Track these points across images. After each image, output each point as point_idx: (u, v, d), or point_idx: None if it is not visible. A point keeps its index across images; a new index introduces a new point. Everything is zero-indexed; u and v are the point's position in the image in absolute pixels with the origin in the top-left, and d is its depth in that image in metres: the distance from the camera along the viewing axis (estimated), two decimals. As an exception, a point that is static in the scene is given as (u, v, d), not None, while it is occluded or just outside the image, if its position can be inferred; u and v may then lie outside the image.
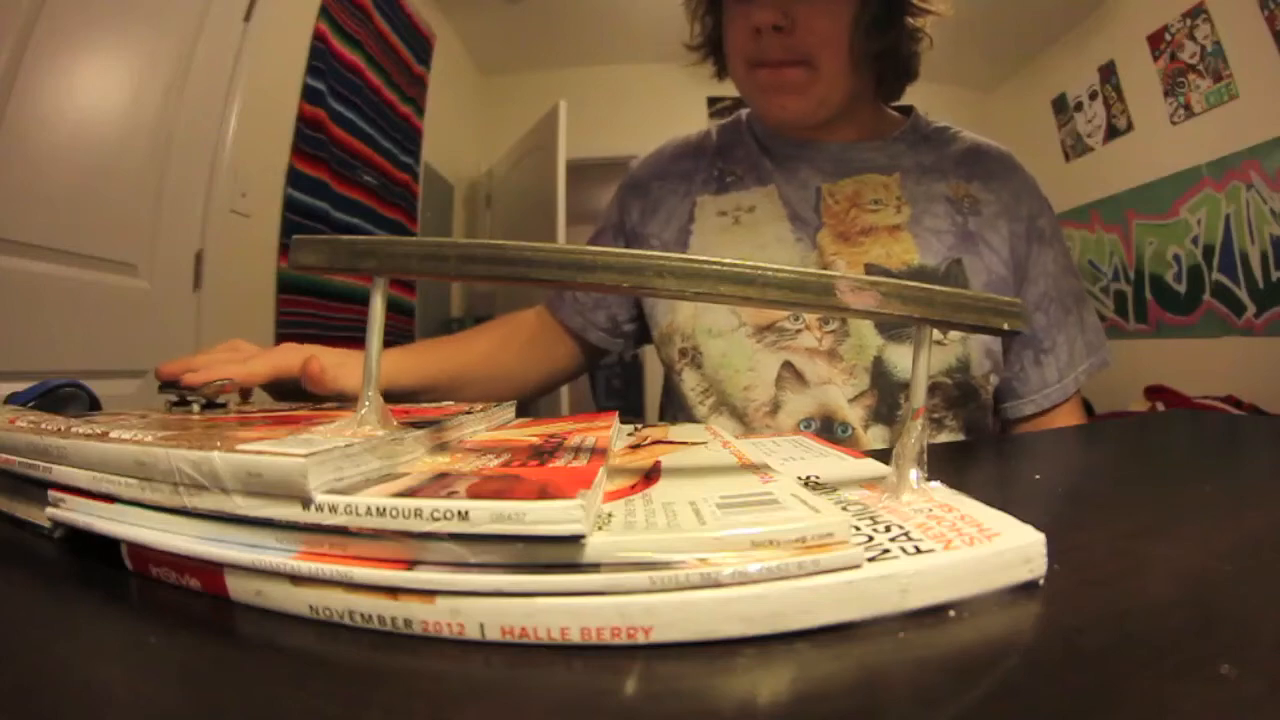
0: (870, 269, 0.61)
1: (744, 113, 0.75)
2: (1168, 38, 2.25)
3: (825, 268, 0.62)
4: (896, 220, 0.63)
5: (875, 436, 0.59)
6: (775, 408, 0.61)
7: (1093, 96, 2.63)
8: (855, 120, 0.67)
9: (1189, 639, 0.17)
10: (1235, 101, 2.07)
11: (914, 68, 0.67)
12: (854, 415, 0.59)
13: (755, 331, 0.61)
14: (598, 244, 0.74)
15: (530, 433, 0.30)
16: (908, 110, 0.71)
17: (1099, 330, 0.67)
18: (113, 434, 0.21)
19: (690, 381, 0.65)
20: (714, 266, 0.22)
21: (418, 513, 0.17)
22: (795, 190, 0.66)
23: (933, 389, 0.60)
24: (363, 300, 0.24)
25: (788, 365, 0.61)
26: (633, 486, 0.22)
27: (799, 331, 0.61)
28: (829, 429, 0.59)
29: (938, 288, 0.23)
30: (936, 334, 0.59)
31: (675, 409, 0.69)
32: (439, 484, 0.19)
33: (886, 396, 0.59)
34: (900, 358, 0.59)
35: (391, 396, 0.25)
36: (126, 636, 0.18)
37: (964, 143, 0.69)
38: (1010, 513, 0.21)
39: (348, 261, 0.24)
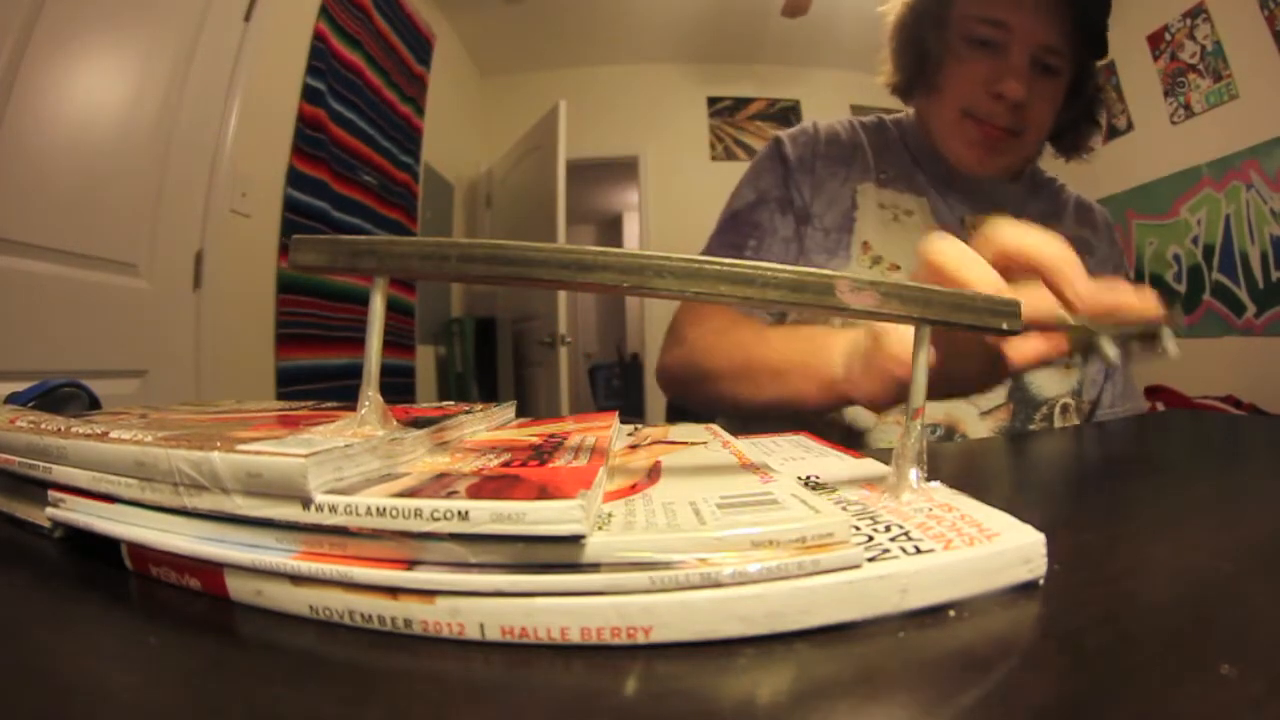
0: None
1: (890, 120, 0.77)
2: (1168, 38, 2.25)
3: None
4: None
5: None
6: None
7: (1093, 96, 2.63)
8: None
9: (1189, 639, 0.17)
10: (1235, 101, 2.07)
11: (1084, 145, 0.75)
12: (979, 428, 0.62)
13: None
14: (755, 217, 0.71)
15: (530, 433, 0.30)
16: None
17: (1133, 381, 0.74)
18: (112, 434, 0.21)
19: None
20: (714, 266, 0.22)
21: (418, 513, 0.17)
22: (945, 211, 0.70)
23: (1064, 409, 0.66)
24: (363, 300, 0.24)
25: None
26: (633, 486, 0.22)
27: None
28: (949, 439, 0.63)
29: (935, 288, 0.23)
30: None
31: None
32: (439, 484, 0.19)
33: (1020, 412, 0.63)
34: (1040, 377, 0.64)
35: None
36: (126, 636, 0.18)
37: (1071, 195, 0.77)
38: (1010, 513, 0.21)
39: (347, 261, 0.24)
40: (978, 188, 0.71)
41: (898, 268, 0.67)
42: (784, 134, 0.76)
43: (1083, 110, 0.70)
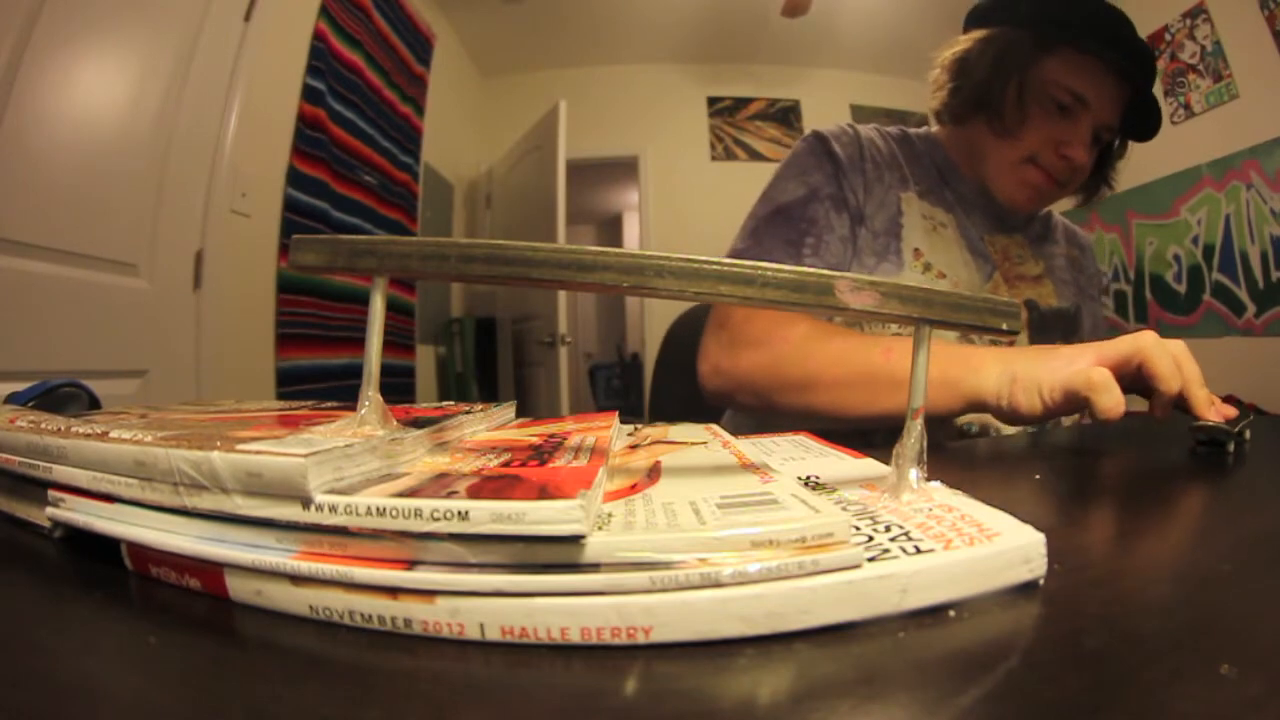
0: (1027, 302, 0.75)
1: (914, 134, 0.79)
2: (1168, 38, 2.25)
3: None
4: (1037, 270, 0.78)
5: None
6: None
7: (1093, 96, 2.62)
8: None
9: (1189, 639, 0.17)
10: (1235, 101, 2.07)
11: (1094, 199, 0.83)
12: (1010, 427, 0.62)
13: (961, 335, 0.64)
14: (809, 212, 0.70)
15: (530, 433, 0.30)
16: None
17: None
18: (112, 434, 0.21)
19: None
20: (714, 267, 0.22)
21: (418, 513, 0.17)
22: (970, 229, 0.75)
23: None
24: (363, 300, 0.24)
25: None
26: (633, 486, 0.22)
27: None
28: (984, 435, 0.66)
29: (936, 288, 0.23)
30: None
31: None
32: (439, 484, 0.19)
33: None
34: None
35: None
36: (126, 636, 0.18)
37: (1059, 220, 0.87)
38: (1010, 513, 0.21)
39: (347, 261, 0.24)
40: (994, 211, 0.76)
41: (943, 276, 0.70)
42: (825, 131, 0.75)
43: (1105, 176, 0.80)
